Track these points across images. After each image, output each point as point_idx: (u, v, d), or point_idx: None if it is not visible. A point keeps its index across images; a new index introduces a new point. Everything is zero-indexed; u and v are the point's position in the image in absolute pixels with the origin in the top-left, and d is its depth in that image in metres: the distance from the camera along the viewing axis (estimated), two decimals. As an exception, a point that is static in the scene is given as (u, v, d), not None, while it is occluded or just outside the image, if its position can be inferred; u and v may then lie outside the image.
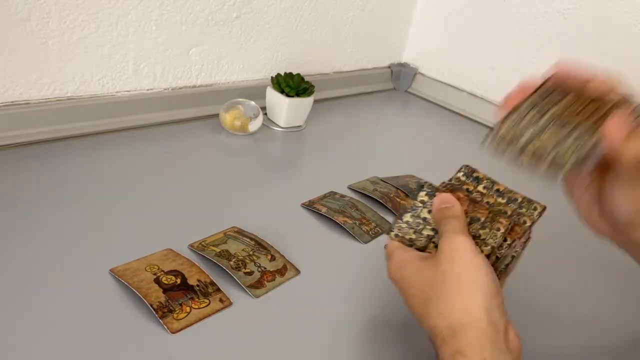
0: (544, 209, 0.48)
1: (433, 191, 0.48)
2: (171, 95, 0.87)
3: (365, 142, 1.00)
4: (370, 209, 0.72)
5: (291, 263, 0.58)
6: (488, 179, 0.50)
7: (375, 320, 0.54)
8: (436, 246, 0.47)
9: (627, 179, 0.43)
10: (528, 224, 0.47)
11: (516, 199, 0.48)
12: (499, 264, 0.45)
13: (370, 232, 0.67)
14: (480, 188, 0.49)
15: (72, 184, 0.66)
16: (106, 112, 0.79)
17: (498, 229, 0.45)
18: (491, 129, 0.46)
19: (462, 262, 0.41)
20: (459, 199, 0.47)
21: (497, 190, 0.49)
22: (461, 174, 0.50)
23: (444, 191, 0.48)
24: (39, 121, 0.73)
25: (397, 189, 0.78)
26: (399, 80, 1.30)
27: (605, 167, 0.45)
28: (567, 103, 0.45)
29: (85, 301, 0.48)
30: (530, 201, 0.48)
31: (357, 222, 0.68)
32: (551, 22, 1.02)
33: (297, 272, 0.58)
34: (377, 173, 0.82)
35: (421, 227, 0.48)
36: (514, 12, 1.08)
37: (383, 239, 0.66)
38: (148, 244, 0.57)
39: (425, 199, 0.48)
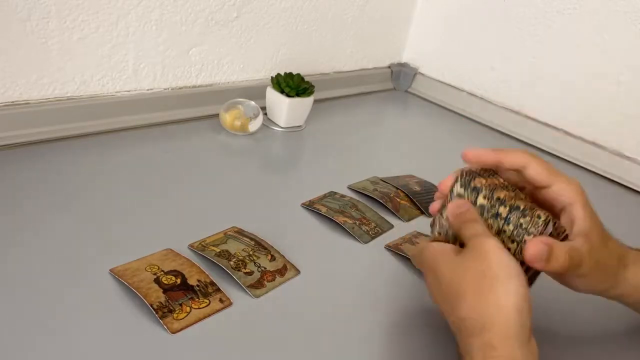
0: (555, 218, 0.46)
1: (468, 181, 0.48)
2: (171, 95, 0.87)
3: (365, 142, 1.00)
4: (370, 209, 0.72)
5: (291, 263, 0.58)
6: (487, 187, 0.47)
7: (376, 320, 0.54)
8: None
9: (572, 279, 0.47)
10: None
11: (518, 207, 0.46)
12: None
13: (370, 232, 0.67)
14: (480, 199, 0.47)
15: (72, 184, 0.66)
16: (106, 112, 0.79)
17: (539, 216, 0.45)
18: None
19: (498, 262, 0.41)
20: None
21: (498, 198, 0.46)
22: (458, 184, 0.48)
23: (479, 179, 0.47)
24: (39, 121, 0.73)
25: (397, 189, 0.78)
26: (399, 80, 1.30)
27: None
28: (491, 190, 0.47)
29: (85, 301, 0.48)
30: (533, 209, 0.46)
31: (357, 222, 0.68)
32: (551, 22, 1.03)
33: (297, 272, 0.58)
34: (377, 173, 0.82)
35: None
36: (514, 12, 1.08)
37: (383, 239, 0.66)
38: (148, 244, 0.57)
39: (461, 191, 0.48)
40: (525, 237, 0.44)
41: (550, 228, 0.45)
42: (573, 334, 0.57)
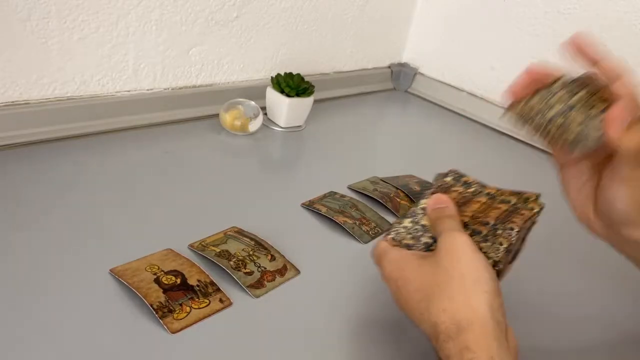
0: (541, 208, 0.47)
1: (460, 175, 0.49)
2: (171, 95, 0.87)
3: (365, 142, 1.00)
4: (370, 209, 0.72)
5: (291, 263, 0.58)
6: (477, 182, 0.50)
7: (376, 320, 0.54)
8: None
9: (624, 174, 0.42)
10: (524, 218, 0.46)
11: (509, 201, 0.48)
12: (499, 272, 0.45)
13: (370, 232, 0.67)
14: (470, 192, 0.49)
15: (72, 184, 0.66)
16: (106, 112, 0.79)
17: (501, 244, 0.45)
18: (509, 106, 0.46)
19: (465, 260, 0.41)
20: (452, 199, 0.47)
21: (488, 193, 0.49)
22: (450, 178, 0.50)
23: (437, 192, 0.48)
24: (39, 121, 0.73)
25: (397, 189, 0.78)
26: (399, 80, 1.30)
27: (604, 164, 0.45)
28: (593, 90, 0.44)
29: (85, 301, 0.48)
30: (525, 200, 0.48)
31: (357, 222, 0.68)
32: (551, 22, 1.03)
33: (297, 272, 0.58)
34: (377, 173, 0.82)
35: (420, 233, 0.47)
36: (514, 12, 1.08)
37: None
38: (148, 244, 0.57)
39: (426, 205, 0.48)
40: (516, 217, 0.45)
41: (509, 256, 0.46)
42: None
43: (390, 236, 0.48)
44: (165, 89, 0.87)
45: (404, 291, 0.44)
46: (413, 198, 0.76)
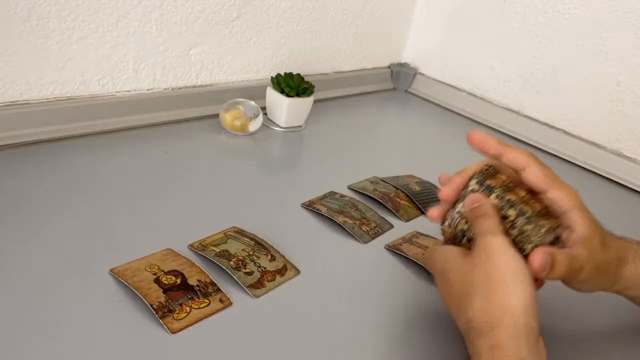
0: (558, 226, 0.46)
1: (484, 178, 0.48)
2: (171, 95, 0.87)
3: (365, 142, 1.00)
4: (370, 209, 0.72)
5: (291, 263, 0.58)
6: (501, 187, 0.47)
7: (376, 320, 0.54)
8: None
9: (568, 284, 0.48)
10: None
11: (525, 212, 0.46)
12: None
13: (370, 232, 0.67)
14: (492, 198, 0.47)
15: (72, 184, 0.66)
16: (106, 112, 0.79)
17: (542, 226, 0.45)
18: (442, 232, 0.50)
19: (504, 263, 0.42)
20: None
21: (509, 200, 0.46)
22: (474, 181, 0.48)
23: (491, 181, 0.47)
24: (39, 121, 0.73)
25: (397, 189, 0.78)
26: (399, 80, 1.30)
27: None
28: (505, 186, 0.47)
29: (85, 301, 0.48)
30: (538, 217, 0.46)
31: (357, 222, 0.68)
32: (551, 22, 1.03)
33: (297, 272, 0.58)
34: (377, 173, 0.82)
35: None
36: (514, 12, 1.08)
37: (383, 239, 0.66)
38: (148, 244, 0.57)
39: (476, 187, 0.47)
40: (527, 245, 0.45)
41: (550, 237, 0.45)
42: (578, 335, 0.57)
43: (446, 223, 0.49)
44: (165, 89, 0.87)
45: (447, 285, 0.45)
46: (413, 198, 0.76)
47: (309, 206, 0.70)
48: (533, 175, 0.46)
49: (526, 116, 1.09)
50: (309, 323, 0.51)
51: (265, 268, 0.56)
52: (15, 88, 0.71)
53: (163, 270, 0.53)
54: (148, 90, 0.85)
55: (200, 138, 0.85)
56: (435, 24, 1.23)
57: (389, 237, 0.67)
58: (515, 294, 0.40)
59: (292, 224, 0.67)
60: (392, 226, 0.70)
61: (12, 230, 0.56)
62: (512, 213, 0.46)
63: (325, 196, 0.73)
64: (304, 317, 0.52)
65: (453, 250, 0.47)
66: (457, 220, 0.48)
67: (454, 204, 0.49)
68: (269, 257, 0.58)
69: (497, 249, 0.43)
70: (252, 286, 0.53)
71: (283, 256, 0.59)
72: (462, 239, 0.48)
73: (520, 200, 0.46)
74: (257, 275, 0.55)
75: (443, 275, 0.46)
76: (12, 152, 0.70)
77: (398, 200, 0.75)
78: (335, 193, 0.74)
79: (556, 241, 0.46)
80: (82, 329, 0.45)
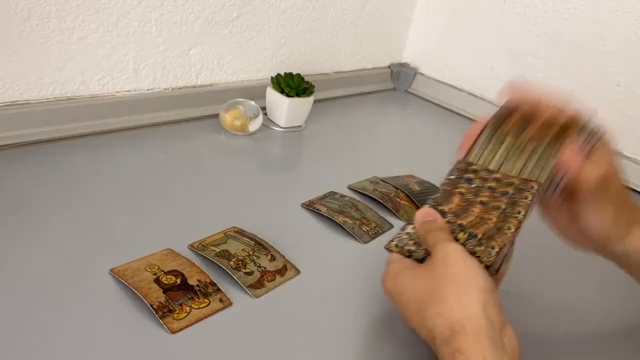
0: (540, 185, 0.47)
1: (438, 205, 0.49)
2: (171, 95, 0.87)
3: (365, 142, 1.00)
4: (370, 209, 0.72)
5: (291, 263, 0.58)
6: (480, 178, 0.50)
7: (375, 320, 0.54)
8: None
9: (592, 200, 0.47)
10: (521, 215, 0.47)
11: (507, 192, 0.48)
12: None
13: (370, 232, 0.67)
14: (472, 188, 0.49)
15: (72, 184, 0.66)
16: (106, 112, 0.79)
17: (492, 247, 0.45)
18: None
19: (457, 263, 0.42)
20: (454, 202, 0.48)
21: (489, 187, 0.49)
22: (453, 177, 0.51)
23: (443, 207, 0.49)
24: (39, 121, 0.73)
25: (397, 189, 0.78)
26: (399, 80, 1.30)
27: (572, 190, 0.48)
28: (520, 130, 0.49)
29: (85, 301, 0.48)
30: (525, 181, 0.48)
31: (357, 222, 0.68)
32: (551, 22, 1.03)
33: (297, 272, 0.58)
34: (377, 173, 0.82)
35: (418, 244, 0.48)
36: (514, 12, 1.08)
37: (383, 238, 0.66)
38: (148, 244, 0.57)
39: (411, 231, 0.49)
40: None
41: (500, 258, 0.46)
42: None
43: (393, 243, 0.49)
44: (165, 89, 0.87)
45: (401, 301, 0.45)
46: (413, 198, 0.76)
47: (309, 206, 0.70)
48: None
49: (526, 116, 1.09)
50: (309, 323, 0.51)
51: (265, 268, 0.56)
52: (15, 88, 0.71)
53: (163, 270, 0.52)
54: (148, 90, 0.85)
55: (200, 138, 0.85)
56: (435, 24, 1.23)
57: (389, 237, 0.66)
58: (472, 290, 0.40)
59: (292, 224, 0.67)
60: (392, 226, 0.70)
61: (12, 230, 0.56)
62: (461, 237, 0.46)
63: (325, 196, 0.73)
64: (304, 317, 0.52)
65: (404, 262, 0.46)
66: (405, 241, 0.49)
67: (405, 225, 0.50)
68: (269, 257, 0.58)
69: (453, 254, 0.43)
70: (252, 286, 0.53)
71: (283, 256, 0.59)
72: (408, 256, 0.48)
73: (469, 225, 0.47)
74: (257, 275, 0.55)
75: (399, 290, 0.45)
76: (12, 152, 0.70)
77: (398, 200, 0.75)
78: (335, 193, 0.74)
79: (504, 259, 0.47)
80: (82, 329, 0.45)
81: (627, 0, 0.92)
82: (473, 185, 0.50)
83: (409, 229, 0.49)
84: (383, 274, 0.48)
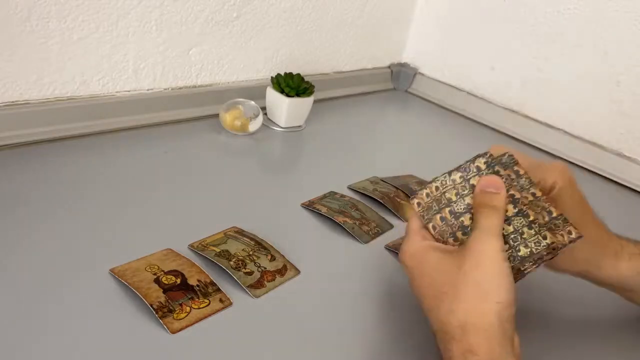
0: (580, 237, 0.44)
1: (494, 162, 0.45)
2: (171, 95, 0.87)
3: (365, 142, 1.00)
4: (370, 209, 0.72)
5: (291, 263, 0.58)
6: (528, 177, 0.46)
7: (376, 320, 0.54)
8: (464, 232, 0.44)
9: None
10: (564, 242, 0.44)
11: (551, 212, 0.45)
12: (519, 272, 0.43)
13: (370, 232, 0.67)
14: (520, 183, 0.45)
15: (72, 184, 0.66)
16: (106, 112, 0.79)
17: (545, 237, 0.43)
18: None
19: (487, 268, 0.41)
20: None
21: (534, 193, 0.45)
22: (482, 159, 0.46)
23: (497, 168, 0.45)
24: (39, 121, 0.73)
25: (397, 189, 0.78)
26: (398, 80, 1.30)
27: None
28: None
29: (85, 301, 0.48)
30: (566, 221, 0.45)
31: (357, 222, 0.68)
32: (551, 22, 1.03)
33: (297, 272, 0.58)
34: (377, 173, 0.82)
35: (466, 192, 0.44)
36: (514, 12, 1.08)
37: (383, 239, 0.66)
38: (148, 244, 0.57)
39: (483, 167, 0.45)
40: (521, 247, 0.43)
41: (547, 253, 0.43)
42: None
43: (434, 184, 0.46)
44: (165, 89, 0.87)
45: (420, 282, 0.44)
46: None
47: (309, 206, 0.70)
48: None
49: (526, 116, 1.09)
50: (309, 323, 0.51)
51: (265, 268, 0.56)
52: (15, 88, 0.71)
53: (163, 270, 0.53)
54: (148, 90, 0.85)
55: (200, 138, 0.85)
56: (436, 24, 1.23)
57: (389, 237, 0.67)
58: (491, 301, 0.39)
59: (292, 224, 0.67)
60: (392, 226, 0.70)
61: (12, 230, 0.56)
62: (510, 209, 0.43)
63: (325, 196, 0.73)
64: (304, 317, 0.52)
65: (432, 245, 0.45)
66: (448, 188, 0.45)
67: (450, 171, 0.46)
68: (269, 257, 0.58)
69: (487, 252, 0.41)
70: (252, 286, 0.53)
71: (283, 256, 0.59)
72: (445, 207, 0.45)
73: (544, 199, 0.45)
74: (257, 275, 0.55)
75: (417, 269, 0.44)
76: (12, 152, 0.70)
77: (398, 200, 0.75)
78: (335, 193, 0.74)
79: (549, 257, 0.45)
80: (82, 329, 0.45)
81: (627, 0, 0.92)
82: (521, 180, 0.45)
83: (456, 175, 0.45)
84: (404, 242, 0.46)
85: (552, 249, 0.43)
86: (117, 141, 0.79)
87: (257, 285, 0.54)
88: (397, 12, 1.22)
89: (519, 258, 0.43)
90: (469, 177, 0.45)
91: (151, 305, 0.48)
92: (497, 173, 0.45)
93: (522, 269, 0.43)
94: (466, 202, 0.45)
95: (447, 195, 0.46)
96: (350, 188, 0.77)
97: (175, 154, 0.79)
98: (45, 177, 0.66)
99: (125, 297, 0.50)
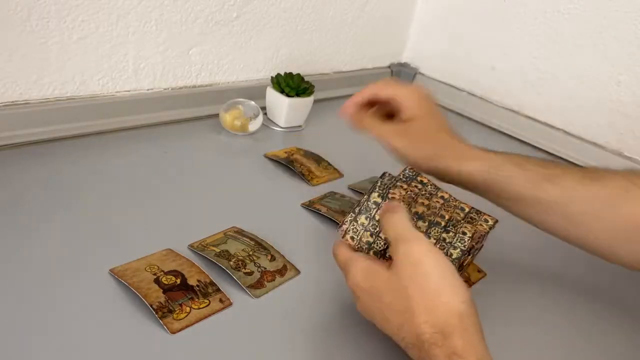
0: (496, 221, 0.50)
1: (385, 192, 0.49)
2: (171, 95, 0.87)
3: (365, 142, 1.00)
4: (370, 209, 0.71)
5: (291, 263, 0.58)
6: (433, 184, 0.52)
7: (375, 321, 0.53)
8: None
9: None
10: (485, 230, 0.48)
11: (464, 208, 0.50)
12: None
13: (370, 232, 0.67)
14: (427, 190, 0.51)
15: (72, 184, 0.66)
16: (106, 112, 0.79)
17: (464, 232, 0.46)
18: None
19: (432, 269, 0.41)
20: (405, 196, 0.49)
21: (442, 197, 0.51)
22: (376, 194, 0.50)
23: (394, 192, 0.49)
24: (39, 121, 0.73)
25: (397, 189, 0.77)
26: (398, 80, 1.30)
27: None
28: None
29: (85, 301, 0.48)
30: (478, 212, 0.50)
31: (357, 222, 0.67)
32: (551, 22, 1.03)
33: (297, 272, 0.58)
34: (376, 173, 0.82)
35: (377, 229, 0.48)
36: (514, 12, 1.08)
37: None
38: (148, 244, 0.57)
39: (379, 200, 0.49)
40: (451, 250, 0.46)
41: (474, 243, 0.48)
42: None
43: (348, 236, 0.48)
44: (165, 89, 0.87)
45: (378, 303, 0.44)
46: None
47: (309, 206, 0.70)
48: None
49: (526, 116, 1.09)
50: (308, 323, 0.51)
51: (265, 268, 0.56)
52: (15, 88, 0.71)
53: (163, 271, 0.52)
54: (148, 90, 0.85)
55: (200, 138, 0.85)
56: (436, 24, 1.23)
57: (389, 237, 0.67)
58: (453, 297, 0.40)
59: (292, 224, 0.67)
60: (392, 226, 0.70)
61: (12, 230, 0.56)
62: (422, 225, 0.47)
63: (325, 196, 0.73)
64: (304, 317, 0.52)
65: (375, 266, 0.45)
66: (361, 233, 0.48)
67: (354, 216, 0.49)
68: (269, 257, 0.58)
69: (419, 257, 0.42)
70: (252, 286, 0.53)
71: (283, 256, 0.59)
72: (368, 251, 0.48)
73: (452, 198, 0.50)
74: (257, 275, 0.55)
75: (368, 292, 0.44)
76: (12, 152, 0.70)
77: (398, 200, 0.75)
78: (335, 193, 0.74)
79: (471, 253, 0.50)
80: (82, 329, 0.45)
81: (627, 0, 0.92)
82: (427, 188, 0.52)
83: (362, 219, 0.48)
84: (346, 268, 0.46)
85: (479, 238, 0.48)
86: (117, 141, 0.79)
87: (257, 285, 0.54)
88: (397, 12, 1.22)
89: (456, 261, 0.46)
90: (372, 214, 0.48)
91: (151, 306, 0.48)
92: (401, 188, 0.50)
93: (464, 263, 0.48)
94: (383, 238, 0.48)
95: (364, 239, 0.48)
96: (350, 188, 0.77)
97: (175, 154, 0.79)
98: (45, 177, 0.66)
99: (125, 297, 0.50)
